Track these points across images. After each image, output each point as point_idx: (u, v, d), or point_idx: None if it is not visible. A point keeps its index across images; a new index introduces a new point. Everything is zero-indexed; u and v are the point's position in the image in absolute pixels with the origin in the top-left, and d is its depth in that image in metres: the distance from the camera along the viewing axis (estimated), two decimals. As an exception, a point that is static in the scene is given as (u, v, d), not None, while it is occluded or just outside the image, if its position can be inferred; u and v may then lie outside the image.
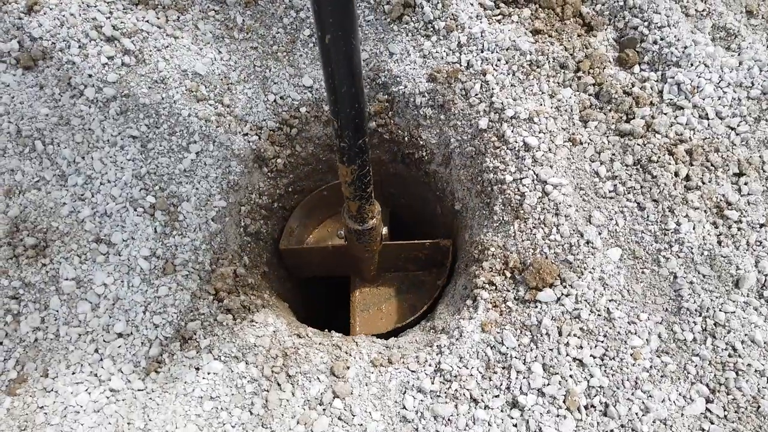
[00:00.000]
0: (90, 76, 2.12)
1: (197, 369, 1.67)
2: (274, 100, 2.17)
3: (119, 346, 1.69)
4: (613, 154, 1.87)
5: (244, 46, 2.20)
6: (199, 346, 1.70)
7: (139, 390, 1.64)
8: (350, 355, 1.73)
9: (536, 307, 1.69)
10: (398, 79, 2.13)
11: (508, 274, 1.78)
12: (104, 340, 1.70)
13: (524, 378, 1.59)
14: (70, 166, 1.94)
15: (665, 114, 1.90)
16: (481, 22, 2.11)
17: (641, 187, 1.81)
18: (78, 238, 1.82)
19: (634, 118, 1.90)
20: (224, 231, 1.99)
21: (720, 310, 1.61)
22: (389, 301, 2.41)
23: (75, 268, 1.78)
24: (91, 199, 1.89)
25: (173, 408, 1.61)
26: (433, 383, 1.63)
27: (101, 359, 1.68)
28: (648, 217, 1.77)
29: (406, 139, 2.21)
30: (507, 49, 2.04)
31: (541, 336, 1.64)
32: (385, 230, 2.10)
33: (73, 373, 1.66)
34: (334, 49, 1.22)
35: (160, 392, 1.64)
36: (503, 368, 1.63)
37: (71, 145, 1.96)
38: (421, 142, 2.18)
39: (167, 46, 2.16)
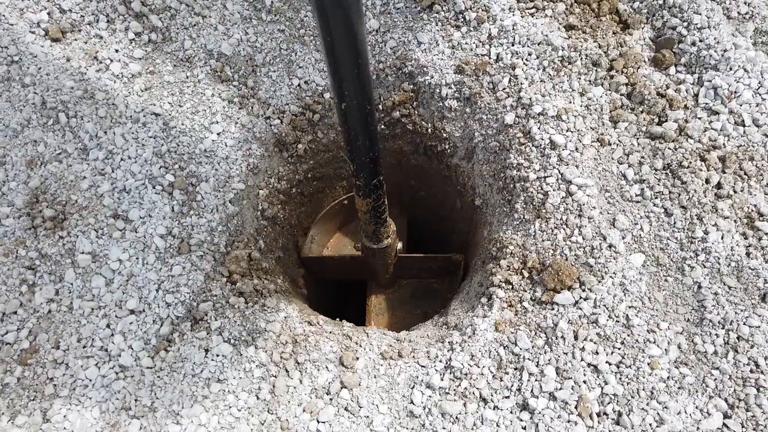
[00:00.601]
0: (117, 51, 2.12)
1: (206, 350, 1.66)
2: (298, 85, 2.15)
3: (131, 323, 1.69)
4: (643, 157, 1.82)
5: (272, 29, 2.18)
6: (210, 327, 1.69)
7: (147, 368, 1.64)
8: (360, 345, 1.71)
9: (553, 309, 1.65)
10: (425, 69, 2.09)
11: (526, 274, 1.74)
12: (116, 316, 1.70)
13: (536, 380, 1.55)
14: (92, 140, 1.94)
15: (699, 118, 1.84)
16: (513, 15, 2.06)
17: (669, 192, 1.75)
18: (96, 213, 1.83)
19: (666, 120, 1.84)
20: (241, 214, 1.98)
21: (744, 324, 1.55)
22: (403, 306, 2.51)
23: (91, 242, 1.78)
24: (111, 175, 1.89)
25: (180, 388, 1.61)
26: (442, 380, 1.61)
27: (112, 335, 1.68)
28: (675, 223, 1.71)
29: (429, 130, 2.17)
30: (539, 44, 1.99)
31: (556, 339, 1.60)
32: (399, 245, 2.18)
33: (84, 347, 1.66)
34: (350, 113, 1.36)
35: (168, 371, 1.64)
36: (515, 369, 1.59)
37: (94, 119, 1.96)
38: (445, 135, 2.14)
39: (194, 25, 2.15)
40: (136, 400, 1.60)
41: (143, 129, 1.96)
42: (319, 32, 1.17)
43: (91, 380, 1.63)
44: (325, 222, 2.60)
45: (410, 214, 2.77)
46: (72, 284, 1.74)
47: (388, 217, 1.92)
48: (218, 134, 2.02)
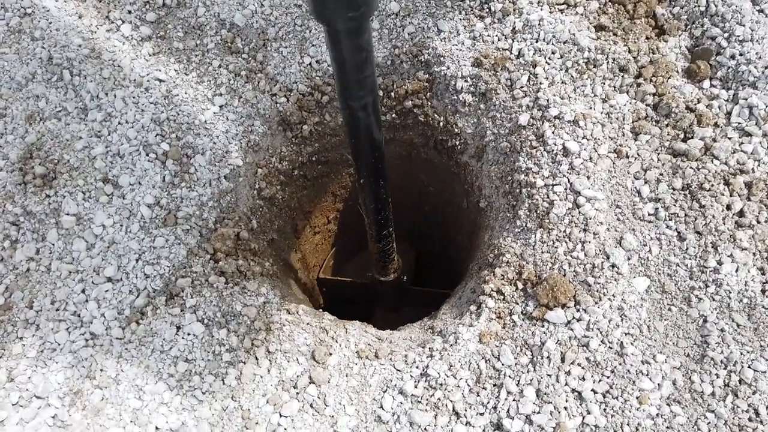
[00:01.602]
0: (129, 12, 2.07)
1: (178, 328, 1.61)
2: (309, 64, 2.06)
3: (106, 291, 1.65)
4: (661, 174, 1.68)
5: (288, 2, 2.10)
6: (185, 304, 1.64)
7: (117, 338, 1.60)
8: (336, 341, 1.64)
9: (543, 326, 1.55)
10: (442, 59, 1.99)
11: (520, 286, 1.64)
12: (93, 282, 1.66)
13: (514, 400, 1.46)
14: (93, 100, 1.90)
15: (729, 138, 1.69)
16: (541, 9, 1.93)
17: (686, 215, 1.62)
18: (86, 175, 1.79)
19: (692, 137, 1.70)
20: (236, 191, 1.92)
21: (749, 367, 1.42)
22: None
23: (78, 204, 1.75)
24: (106, 137, 1.85)
25: (147, 363, 1.56)
26: (416, 387, 1.52)
27: (86, 301, 1.64)
28: (687, 249, 1.58)
29: (440, 124, 2.07)
30: (564, 42, 1.86)
31: (542, 359, 1.50)
32: (405, 278, 2.44)
33: (57, 310, 1.63)
34: (365, 186, 1.62)
35: (137, 344, 1.59)
36: (494, 386, 1.50)
37: (97, 80, 1.92)
38: (456, 130, 2.03)
39: (210, -8, 2.08)
40: (101, 370, 1.56)
41: (145, 94, 1.92)
42: (347, 133, 1.44)
43: (60, 344, 1.60)
44: (343, 250, 2.94)
45: (418, 209, 2.68)
46: (53, 245, 1.71)
47: (396, 255, 2.17)
48: (220, 107, 1.96)
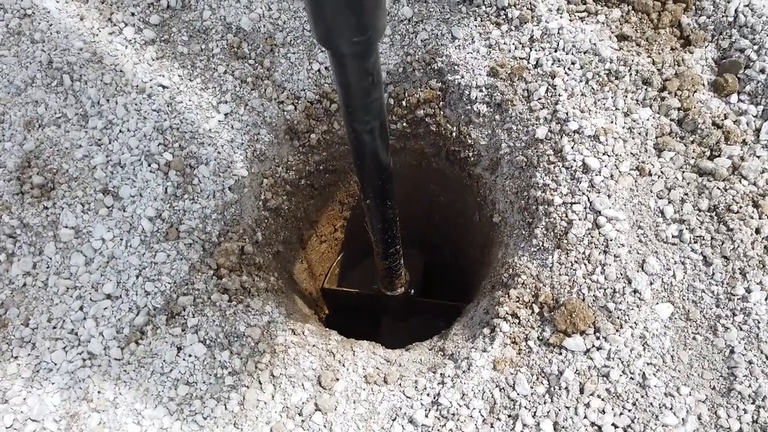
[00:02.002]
0: (132, 14, 2.00)
1: (179, 348, 1.55)
2: (318, 70, 1.99)
3: (105, 308, 1.59)
4: (686, 194, 1.60)
5: (297, 6, 2.02)
6: (186, 324, 1.57)
7: (116, 359, 1.53)
8: (343, 365, 1.57)
9: (560, 354, 1.48)
10: (456, 67, 1.91)
11: (536, 309, 1.56)
12: (91, 299, 1.60)
13: (530, 433, 1.39)
14: (94, 107, 1.83)
15: (758, 157, 1.61)
16: (561, 17, 1.85)
17: (712, 238, 1.54)
18: (85, 186, 1.72)
19: (719, 156, 1.62)
20: (240, 202, 1.85)
21: (779, 403, 1.35)
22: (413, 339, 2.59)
23: (76, 216, 1.68)
24: (107, 146, 1.78)
25: (146, 386, 1.50)
26: (427, 416, 1.46)
27: (84, 318, 1.58)
28: (713, 275, 1.50)
29: (453, 134, 1.99)
30: (585, 53, 1.78)
31: (560, 389, 1.43)
32: (412, 291, 2.39)
33: (54, 328, 1.57)
34: (372, 207, 1.57)
35: (136, 366, 1.53)
36: (508, 416, 1.43)
37: (98, 85, 1.85)
38: (470, 141, 1.95)
39: (216, -6, 2.00)
40: (99, 392, 1.50)
41: (147, 101, 1.84)
42: (353, 155, 1.38)
43: (56, 364, 1.53)
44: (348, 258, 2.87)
45: (429, 219, 2.61)
46: (51, 259, 1.64)
47: (403, 270, 2.11)
48: (225, 115, 1.88)
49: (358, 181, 1.49)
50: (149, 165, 1.75)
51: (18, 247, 1.65)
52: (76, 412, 1.48)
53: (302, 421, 1.46)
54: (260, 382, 1.51)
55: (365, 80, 1.07)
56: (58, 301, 1.60)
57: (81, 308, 1.59)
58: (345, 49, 0.99)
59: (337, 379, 1.52)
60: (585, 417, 1.38)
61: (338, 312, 2.74)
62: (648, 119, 1.70)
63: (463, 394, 1.47)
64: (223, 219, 1.78)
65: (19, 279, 1.62)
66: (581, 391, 1.42)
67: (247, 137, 1.89)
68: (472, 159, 1.99)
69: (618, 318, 1.47)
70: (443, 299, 2.67)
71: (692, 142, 1.66)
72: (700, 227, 1.56)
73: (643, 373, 1.42)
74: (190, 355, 1.54)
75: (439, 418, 1.45)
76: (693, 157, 1.64)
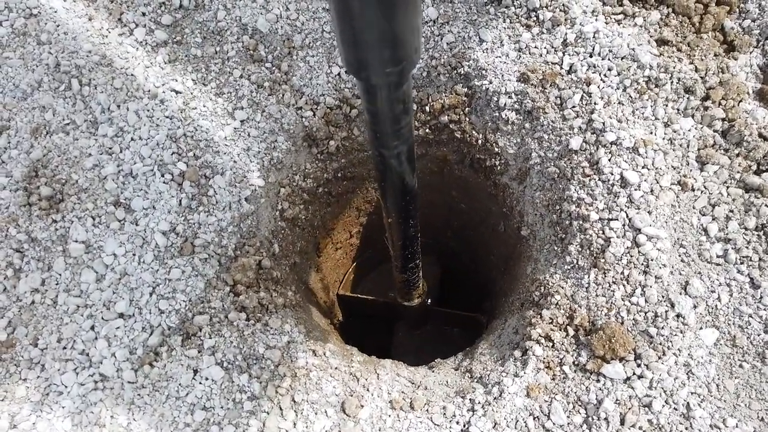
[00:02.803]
0: (143, 14, 1.91)
1: (195, 371, 1.47)
2: (338, 74, 1.89)
3: (117, 328, 1.51)
4: (731, 211, 1.51)
5: (316, 6, 1.92)
6: (202, 345, 1.50)
7: (129, 382, 1.46)
8: (368, 390, 1.49)
9: (598, 381, 1.39)
10: (483, 72, 1.81)
11: (571, 332, 1.48)
12: (103, 318, 1.52)
13: (568, 468, 1.31)
14: (104, 113, 1.75)
15: (809, 172, 1.51)
16: (596, 20, 1.75)
17: (760, 259, 1.45)
18: (96, 198, 1.64)
19: (767, 170, 1.53)
20: (257, 213, 1.76)
21: (835, 439, 1.27)
22: (427, 346, 2.61)
23: (87, 230, 1.60)
24: (118, 155, 1.70)
25: (161, 411, 1.43)
26: (457, 446, 1.38)
27: (96, 338, 1.50)
28: (761, 298, 1.42)
29: (479, 142, 1.90)
30: (622, 58, 1.68)
31: (599, 420, 1.35)
32: (429, 300, 2.30)
33: (64, 348, 1.50)
34: (394, 226, 1.51)
35: (150, 390, 1.45)
36: (544, 448, 1.35)
37: (108, 90, 1.77)
38: (497, 150, 1.86)
39: (231, -6, 1.91)
40: (111, 417, 1.43)
41: (160, 107, 1.76)
42: (377, 177, 1.33)
43: (66, 387, 1.46)
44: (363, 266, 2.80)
45: (449, 225, 2.52)
46: (60, 275, 1.57)
47: (421, 281, 2.04)
48: (242, 122, 1.80)
49: (381, 200, 1.43)
50: (162, 175, 1.67)
51: (26, 263, 1.58)
52: (88, 438, 1.41)
53: (326, 451, 1.39)
54: (281, 408, 1.43)
55: (396, 108, 0.99)
56: (68, 320, 1.52)
57: (92, 328, 1.51)
58: (376, 81, 0.92)
59: (362, 406, 1.45)
60: (626, 451, 1.31)
61: (353, 317, 2.67)
62: (690, 130, 1.60)
63: (495, 424, 1.39)
64: (239, 231, 1.70)
65: (27, 296, 1.55)
66: (622, 423, 1.34)
67: (263, 145, 1.80)
68: (498, 168, 1.89)
69: (660, 344, 1.39)
70: (460, 306, 2.60)
71: (737, 155, 1.56)
72: (746, 247, 1.47)
73: (688, 403, 1.34)
74: (206, 378, 1.46)
75: (470, 449, 1.37)
76: (738, 172, 1.55)
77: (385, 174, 1.24)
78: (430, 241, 2.43)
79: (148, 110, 1.75)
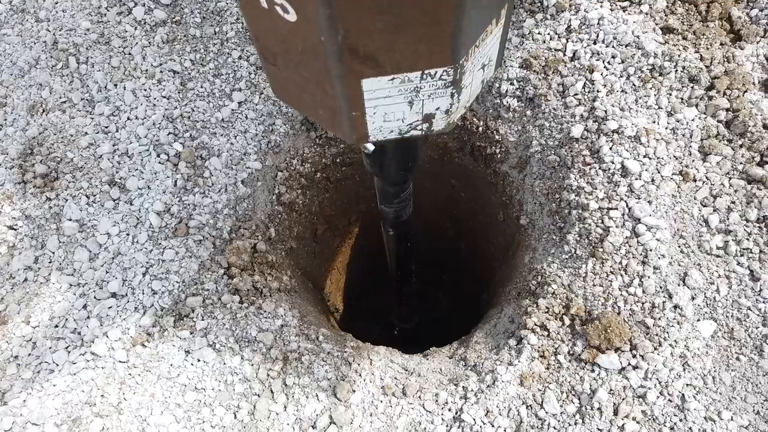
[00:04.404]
0: (143, -7, 1.89)
1: (187, 352, 1.46)
2: (338, 57, 1.87)
3: (110, 307, 1.51)
4: (733, 203, 1.49)
5: (317, -12, 1.89)
6: (195, 327, 1.49)
7: (120, 361, 1.45)
8: (360, 375, 1.48)
9: (593, 371, 1.38)
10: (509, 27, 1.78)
11: (567, 322, 1.46)
12: (95, 297, 1.52)
13: (559, 457, 1.30)
14: (101, 92, 1.73)
15: (813, 164, 1.49)
16: (601, 6, 1.72)
17: (761, 252, 1.43)
18: (91, 176, 1.63)
19: (770, 162, 1.50)
20: (253, 197, 1.75)
21: (831, 435, 1.25)
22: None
23: (81, 209, 1.59)
24: (114, 134, 1.68)
25: (152, 391, 1.42)
26: (448, 433, 1.37)
27: (88, 317, 1.50)
28: (761, 291, 1.40)
29: (480, 129, 1.88)
30: (627, 46, 1.65)
31: (592, 410, 1.33)
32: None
33: (56, 327, 1.49)
34: (393, 239, 1.67)
35: (142, 369, 1.45)
36: (536, 437, 1.34)
37: (106, 69, 1.75)
38: (497, 137, 1.84)
39: (231, -27, 1.89)
40: (102, 396, 1.42)
41: (157, 86, 1.74)
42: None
43: (58, 365, 1.46)
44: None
45: (448, 211, 2.50)
46: (53, 253, 1.56)
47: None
48: (239, 103, 1.78)
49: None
50: (158, 156, 1.65)
51: (19, 240, 1.57)
52: (78, 416, 1.40)
53: (316, 434, 1.38)
54: (272, 392, 1.42)
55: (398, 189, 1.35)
56: (60, 299, 1.51)
57: (84, 307, 1.51)
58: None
59: (354, 391, 1.43)
60: (619, 441, 1.29)
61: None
62: (693, 120, 1.58)
63: (488, 411, 1.38)
64: (235, 214, 1.69)
65: (20, 273, 1.54)
66: (615, 413, 1.32)
67: (261, 128, 1.78)
68: (498, 156, 1.87)
69: (657, 335, 1.37)
70: (456, 293, 2.59)
71: (741, 146, 1.54)
72: (747, 239, 1.45)
73: (683, 395, 1.33)
74: (198, 360, 1.46)
75: (461, 436, 1.36)
76: (741, 163, 1.52)
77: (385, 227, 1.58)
78: (428, 228, 2.41)
79: (145, 90, 1.73)
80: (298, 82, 0.77)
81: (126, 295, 1.52)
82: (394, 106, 0.77)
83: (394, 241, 1.58)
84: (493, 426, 1.36)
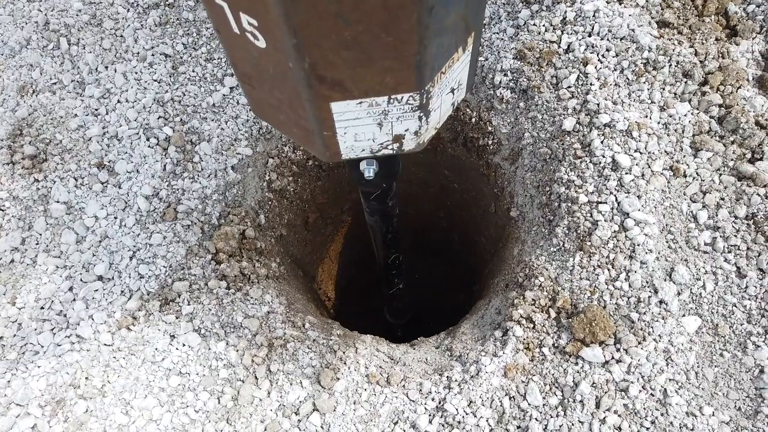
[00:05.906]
0: (136, -25, 1.87)
1: (172, 337, 1.46)
2: (332, 44, 1.86)
3: (96, 290, 1.50)
4: (722, 199, 1.49)
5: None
6: (180, 311, 1.49)
7: (105, 344, 1.45)
8: (344, 363, 1.48)
9: (577, 364, 1.38)
10: (480, 47, 1.77)
11: (553, 314, 1.47)
12: (81, 280, 1.51)
13: (540, 448, 1.30)
14: (91, 74, 1.72)
15: (804, 162, 1.48)
16: (597, -1, 1.71)
17: (748, 248, 1.43)
18: (79, 159, 1.62)
19: (761, 159, 1.50)
20: (243, 183, 1.74)
21: (811, 432, 1.25)
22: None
23: (69, 191, 1.58)
24: (103, 117, 1.67)
25: (136, 374, 1.42)
26: (431, 422, 1.37)
27: (74, 300, 1.50)
28: (746, 288, 1.40)
29: (473, 120, 1.87)
30: (621, 39, 1.64)
31: (574, 402, 1.34)
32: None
33: (42, 308, 1.49)
34: (376, 227, 1.64)
35: (126, 353, 1.45)
36: (518, 428, 1.34)
37: (97, 51, 1.74)
38: (490, 128, 1.83)
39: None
40: (86, 379, 1.42)
41: (148, 69, 1.73)
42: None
43: (42, 347, 1.46)
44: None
45: (441, 202, 2.50)
46: (40, 235, 1.55)
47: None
48: (231, 88, 1.77)
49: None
50: (148, 139, 1.64)
51: (6, 221, 1.56)
52: (62, 398, 1.40)
53: (298, 421, 1.38)
54: (256, 377, 1.43)
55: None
56: (46, 280, 1.51)
57: (71, 289, 1.50)
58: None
59: (338, 378, 1.44)
60: (600, 434, 1.30)
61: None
62: (686, 115, 1.57)
63: (471, 401, 1.38)
64: (224, 200, 1.68)
65: (7, 255, 1.54)
66: (597, 406, 1.33)
67: (252, 113, 1.77)
68: (491, 147, 1.87)
69: (641, 330, 1.37)
70: (447, 286, 2.59)
71: (732, 142, 1.53)
72: (735, 236, 1.45)
73: (665, 389, 1.33)
74: (183, 345, 1.46)
75: (443, 425, 1.36)
76: (732, 159, 1.52)
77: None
78: (420, 220, 2.41)
79: (136, 73, 1.72)
80: (273, 103, 0.79)
81: (112, 278, 1.52)
82: (364, 127, 0.78)
83: (379, 228, 1.59)
84: (475, 416, 1.36)
